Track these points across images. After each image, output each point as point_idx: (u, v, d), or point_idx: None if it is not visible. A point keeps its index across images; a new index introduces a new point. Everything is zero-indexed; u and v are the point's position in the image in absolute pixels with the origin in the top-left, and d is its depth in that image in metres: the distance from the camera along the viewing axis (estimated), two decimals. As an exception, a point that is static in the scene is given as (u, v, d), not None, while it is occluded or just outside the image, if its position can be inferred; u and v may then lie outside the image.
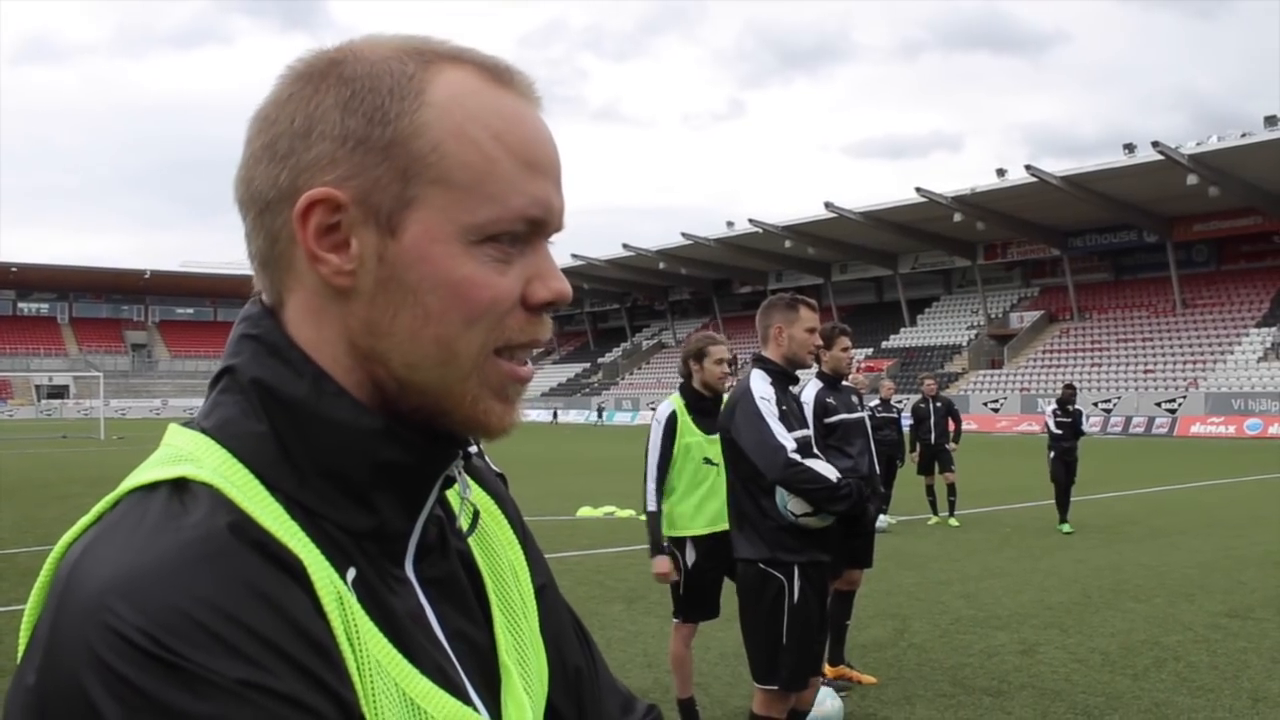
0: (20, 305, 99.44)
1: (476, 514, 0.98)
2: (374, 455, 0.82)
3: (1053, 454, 15.07)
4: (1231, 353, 51.03)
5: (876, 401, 15.09)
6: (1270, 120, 47.21)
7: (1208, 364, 50.66)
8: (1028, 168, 50.66)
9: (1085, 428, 15.42)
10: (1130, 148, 51.09)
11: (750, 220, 63.63)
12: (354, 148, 0.80)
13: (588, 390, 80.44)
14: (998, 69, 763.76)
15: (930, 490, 15.81)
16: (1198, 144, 48.81)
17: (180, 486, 0.75)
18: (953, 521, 15.32)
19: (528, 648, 0.99)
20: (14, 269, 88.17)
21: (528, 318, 0.85)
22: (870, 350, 65.36)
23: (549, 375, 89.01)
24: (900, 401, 16.64)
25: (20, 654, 0.73)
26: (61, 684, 0.67)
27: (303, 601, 0.73)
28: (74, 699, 0.66)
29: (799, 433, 4.61)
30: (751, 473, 4.60)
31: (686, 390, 6.04)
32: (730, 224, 68.34)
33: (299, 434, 0.81)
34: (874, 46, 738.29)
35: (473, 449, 0.94)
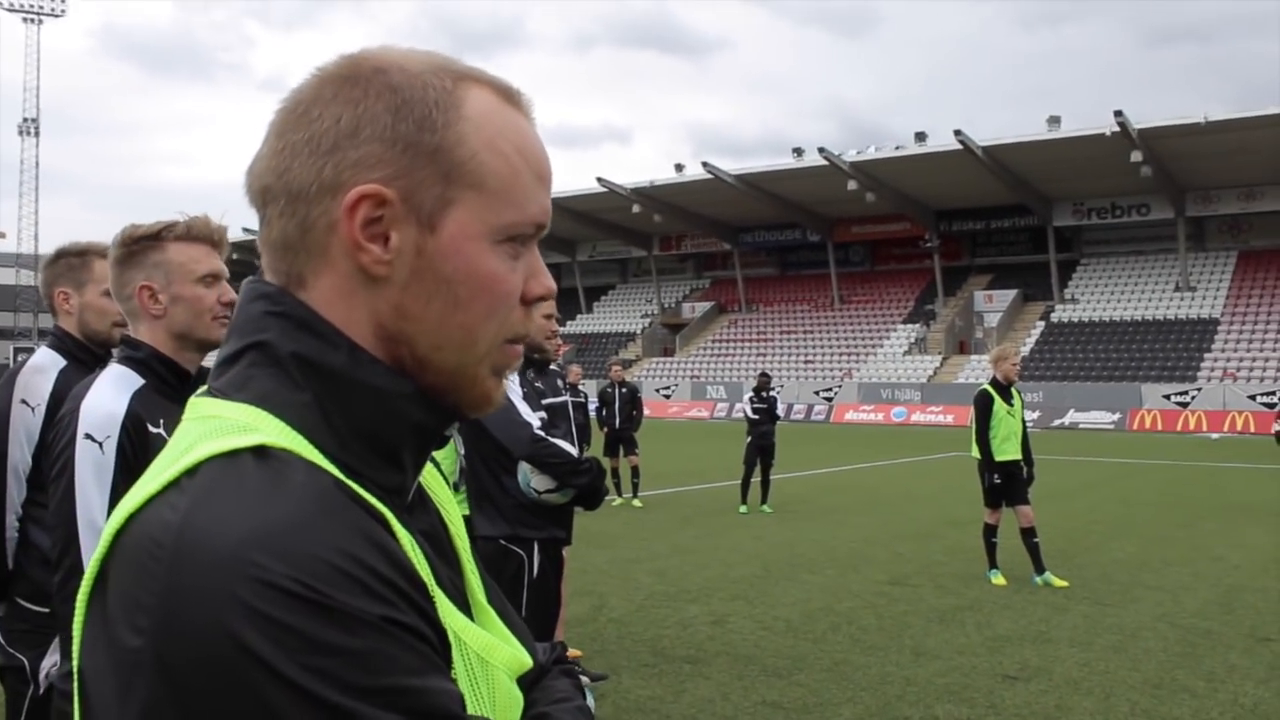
0: None
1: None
2: (408, 417, 0.90)
3: (750, 439, 15.63)
4: (881, 346, 55.28)
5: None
6: (920, 136, 51.60)
7: (861, 356, 54.65)
8: (704, 165, 52.77)
9: (780, 413, 16.22)
10: (799, 152, 54.30)
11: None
12: (403, 150, 0.88)
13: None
14: (666, 69, 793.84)
15: (615, 473, 16.24)
16: (858, 152, 52.52)
17: (261, 453, 0.80)
18: (636, 502, 15.91)
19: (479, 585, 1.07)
20: None
21: (525, 311, 0.95)
22: (551, 337, 66.04)
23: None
24: (583, 386, 16.98)
25: (81, 624, 0.77)
26: (199, 638, 0.71)
27: (398, 546, 0.82)
28: (220, 648, 0.70)
29: (540, 413, 4.72)
30: (494, 450, 4.66)
31: None
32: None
33: (338, 401, 0.87)
34: (548, 37, 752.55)
35: None
